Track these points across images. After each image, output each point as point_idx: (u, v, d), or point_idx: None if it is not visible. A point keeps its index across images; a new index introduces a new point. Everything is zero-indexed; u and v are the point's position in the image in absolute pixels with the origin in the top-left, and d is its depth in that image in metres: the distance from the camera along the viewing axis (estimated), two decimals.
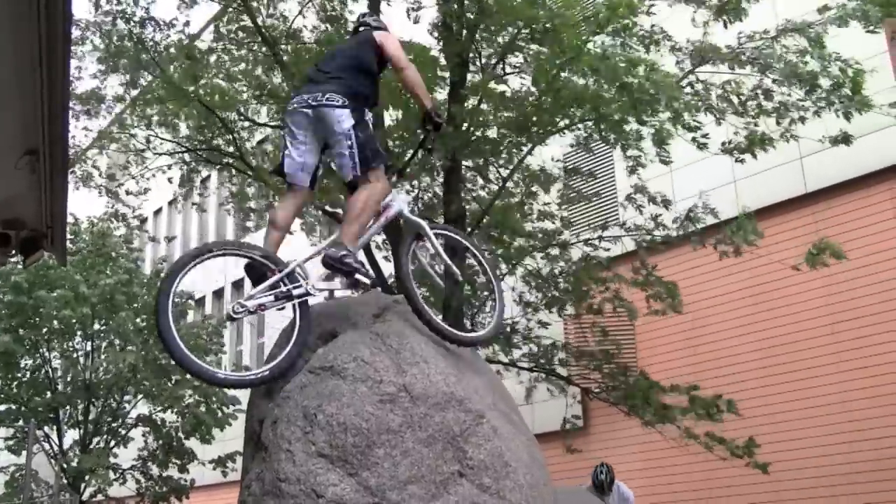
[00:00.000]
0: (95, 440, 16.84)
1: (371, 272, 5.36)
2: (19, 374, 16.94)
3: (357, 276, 4.49)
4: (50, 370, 17.16)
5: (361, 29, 5.33)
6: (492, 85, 10.21)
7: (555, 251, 11.85)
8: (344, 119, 4.64)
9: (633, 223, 11.60)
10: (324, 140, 4.78)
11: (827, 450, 12.30)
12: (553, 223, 12.04)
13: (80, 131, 12.95)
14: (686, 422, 10.75)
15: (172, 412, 16.68)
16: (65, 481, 15.70)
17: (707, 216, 10.89)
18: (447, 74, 10.42)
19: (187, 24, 11.75)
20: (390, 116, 10.64)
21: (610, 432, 14.75)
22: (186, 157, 12.89)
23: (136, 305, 16.97)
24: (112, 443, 17.03)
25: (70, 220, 16.95)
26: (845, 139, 9.98)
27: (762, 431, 11.36)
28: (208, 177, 18.81)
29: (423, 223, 4.93)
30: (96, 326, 16.93)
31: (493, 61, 10.41)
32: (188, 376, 15.95)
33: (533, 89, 9.93)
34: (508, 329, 11.91)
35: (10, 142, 5.60)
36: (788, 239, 13.14)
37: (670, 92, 8.72)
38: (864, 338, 12.35)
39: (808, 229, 13.23)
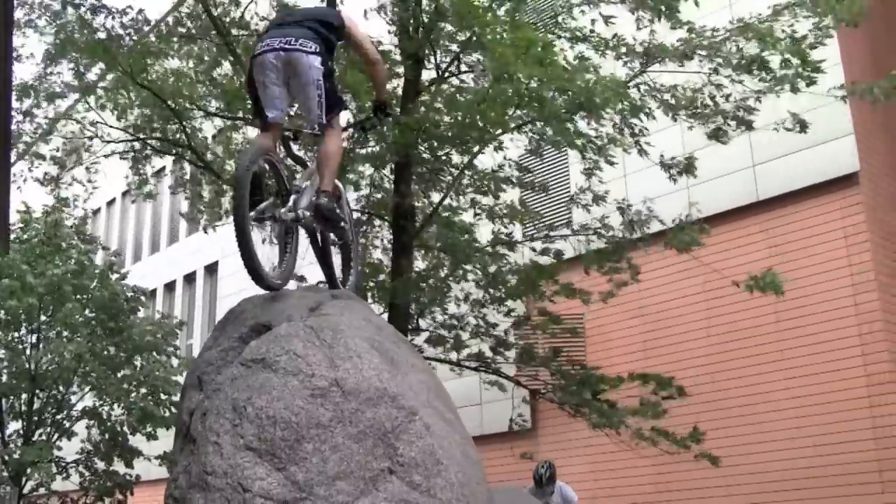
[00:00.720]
0: (38, 432, 16.47)
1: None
2: None
3: (342, 224, 4.85)
4: None
5: None
6: (444, 87, 10.18)
7: (504, 249, 11.77)
8: (315, 65, 4.68)
9: (580, 224, 11.63)
10: (287, 83, 4.77)
11: (776, 445, 12.51)
12: (505, 226, 11.97)
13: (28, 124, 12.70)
14: (632, 420, 10.78)
15: (119, 406, 16.36)
16: (5, 474, 15.36)
17: (653, 221, 10.96)
18: (400, 70, 10.37)
19: (141, 11, 11.54)
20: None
21: (558, 434, 14.78)
22: (136, 145, 12.66)
23: (85, 297, 16.62)
24: (56, 435, 16.68)
25: (22, 208, 16.65)
26: (802, 125, 10.07)
27: (711, 426, 11.58)
28: (163, 168, 18.56)
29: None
30: (43, 318, 16.57)
31: (448, 59, 10.36)
32: (138, 368, 15.74)
33: (485, 85, 9.90)
34: (458, 327, 11.83)
35: None
36: (740, 246, 13.32)
37: (615, 95, 8.75)
38: (812, 345, 12.57)
39: (759, 237, 13.40)
